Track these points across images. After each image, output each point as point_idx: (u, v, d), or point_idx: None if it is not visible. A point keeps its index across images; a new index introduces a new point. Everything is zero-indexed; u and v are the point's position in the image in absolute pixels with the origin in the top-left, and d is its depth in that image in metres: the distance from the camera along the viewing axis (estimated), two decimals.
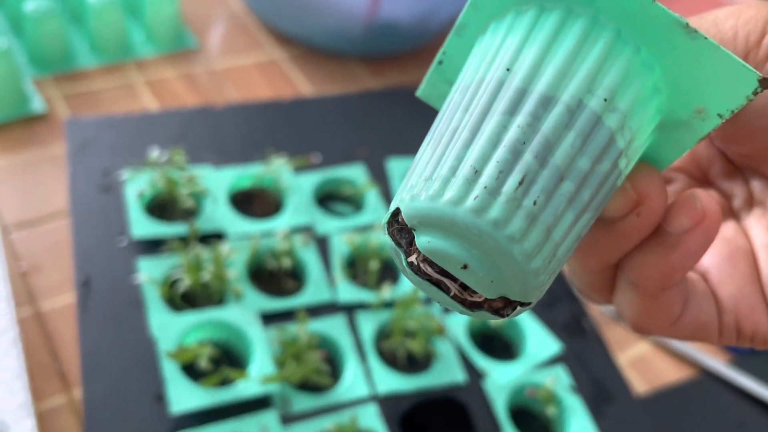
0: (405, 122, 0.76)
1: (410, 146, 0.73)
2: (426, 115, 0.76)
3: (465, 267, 0.17)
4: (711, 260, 0.22)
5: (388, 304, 0.58)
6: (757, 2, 0.20)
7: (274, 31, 0.95)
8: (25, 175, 0.69)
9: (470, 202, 0.17)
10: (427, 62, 0.98)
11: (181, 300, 0.55)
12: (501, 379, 0.56)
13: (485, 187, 0.17)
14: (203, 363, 0.49)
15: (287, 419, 0.50)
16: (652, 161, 0.20)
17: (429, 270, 0.18)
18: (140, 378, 0.50)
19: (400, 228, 0.18)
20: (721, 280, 0.22)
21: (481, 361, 0.57)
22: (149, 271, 0.55)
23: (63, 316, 0.60)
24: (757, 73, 0.17)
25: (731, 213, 0.23)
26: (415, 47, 0.96)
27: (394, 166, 0.70)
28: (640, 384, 0.67)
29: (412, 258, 0.18)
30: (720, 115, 0.18)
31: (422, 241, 0.18)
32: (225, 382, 0.51)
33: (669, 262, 0.19)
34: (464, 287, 0.18)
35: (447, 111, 0.19)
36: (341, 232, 0.62)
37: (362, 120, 0.75)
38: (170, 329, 0.51)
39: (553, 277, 0.18)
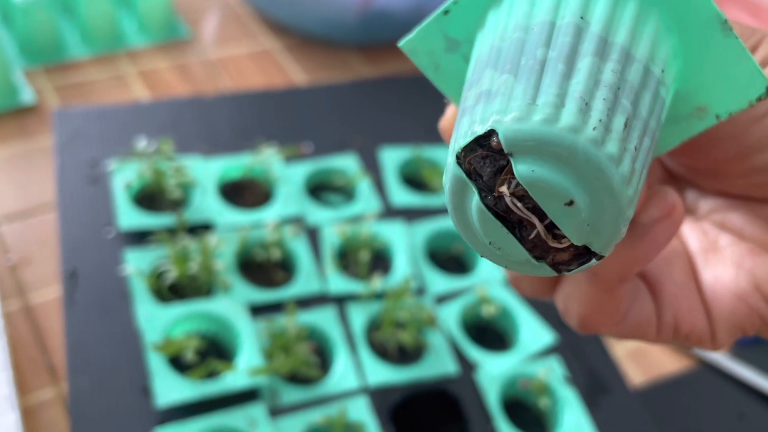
0: (397, 111, 0.75)
1: (403, 135, 0.72)
2: (418, 104, 0.76)
3: (569, 204, 0.16)
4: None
5: (378, 296, 0.57)
6: (739, 24, 0.21)
7: (267, 20, 0.94)
8: (14, 168, 0.68)
9: (589, 132, 0.16)
10: None
11: (169, 292, 0.54)
12: (493, 371, 0.55)
13: (600, 121, 0.16)
14: (189, 355, 0.49)
15: (276, 412, 0.50)
16: None
17: (517, 206, 0.16)
18: (127, 370, 0.50)
19: (485, 155, 0.16)
20: (661, 279, 0.22)
21: (474, 352, 0.56)
22: (136, 263, 0.54)
23: (52, 309, 0.60)
24: None
25: None
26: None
27: (387, 155, 0.69)
28: (636, 375, 0.66)
29: (503, 189, 0.16)
30: (717, 116, 0.19)
31: (524, 169, 0.16)
32: (212, 375, 0.50)
33: (635, 252, 0.20)
34: (549, 231, 0.17)
35: (510, 45, 0.18)
36: (332, 223, 0.61)
37: (354, 109, 0.74)
38: (157, 321, 0.51)
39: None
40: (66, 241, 0.56)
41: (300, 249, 0.59)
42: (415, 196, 0.66)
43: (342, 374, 0.53)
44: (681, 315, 0.22)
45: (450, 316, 0.58)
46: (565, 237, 0.17)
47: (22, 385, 0.56)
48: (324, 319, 0.55)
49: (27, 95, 0.73)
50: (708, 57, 0.18)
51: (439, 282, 0.60)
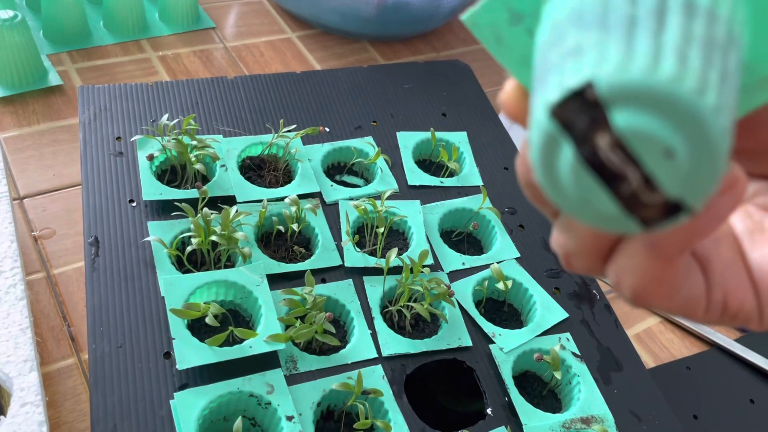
0: (414, 95, 0.76)
1: (419, 119, 0.73)
2: (433, 90, 0.77)
3: (667, 153, 0.16)
4: None
5: (394, 270, 0.58)
6: None
7: (288, 12, 0.96)
8: (41, 145, 0.70)
9: (690, 81, 0.15)
10: (437, 44, 0.98)
11: (190, 262, 0.55)
12: (508, 345, 0.56)
13: (698, 71, 0.16)
14: (209, 319, 0.50)
15: (293, 379, 0.51)
16: None
17: (614, 157, 0.16)
18: (148, 336, 0.51)
19: (581, 108, 0.16)
20: (710, 256, 0.22)
21: (489, 326, 0.57)
22: (159, 234, 0.55)
23: (75, 281, 0.61)
24: None
25: None
26: (425, 29, 0.97)
27: (404, 137, 0.70)
28: (647, 360, 0.66)
29: (600, 141, 0.16)
30: None
31: (624, 120, 0.16)
32: (232, 342, 0.51)
33: (698, 223, 0.19)
34: (645, 182, 0.17)
35: (591, 4, 0.18)
36: (349, 200, 0.62)
37: (371, 92, 0.75)
38: (178, 288, 0.52)
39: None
40: (90, 213, 0.57)
41: (318, 224, 0.60)
42: (431, 177, 0.67)
43: (358, 345, 0.54)
44: (730, 293, 0.22)
45: (464, 291, 0.59)
46: (658, 191, 0.17)
47: (45, 353, 0.57)
48: (341, 291, 0.56)
49: (53, 77, 0.74)
50: None
51: (453, 259, 0.61)
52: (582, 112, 0.16)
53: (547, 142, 0.17)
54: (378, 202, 0.60)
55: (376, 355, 0.53)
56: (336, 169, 0.68)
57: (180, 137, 0.59)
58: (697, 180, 0.17)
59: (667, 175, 0.17)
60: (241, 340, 0.51)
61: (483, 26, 0.21)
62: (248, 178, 0.62)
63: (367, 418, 0.49)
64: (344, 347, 0.54)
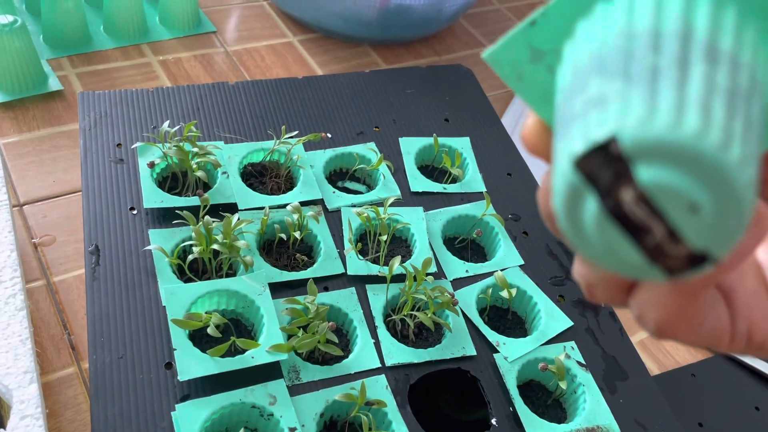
0: (416, 100, 0.76)
1: (422, 124, 0.73)
2: (436, 95, 0.76)
3: (692, 208, 0.16)
4: None
5: (397, 278, 0.58)
6: None
7: (289, 16, 0.95)
8: (41, 151, 0.69)
9: (714, 136, 0.15)
10: (438, 48, 0.98)
11: (191, 271, 0.55)
12: (513, 354, 0.55)
13: (721, 125, 0.16)
14: (211, 330, 0.49)
15: (296, 389, 0.50)
16: None
17: (638, 211, 0.17)
18: (149, 346, 0.51)
19: (604, 161, 0.16)
20: (735, 288, 0.22)
21: (493, 335, 0.56)
22: (160, 242, 0.55)
23: (75, 289, 0.60)
24: None
25: None
26: (426, 33, 0.96)
27: (406, 143, 0.69)
28: (652, 367, 0.66)
29: (625, 195, 0.16)
30: None
31: (648, 175, 0.16)
32: (234, 352, 0.50)
33: None
34: (669, 235, 0.17)
35: (614, 52, 0.18)
36: (352, 207, 0.62)
37: (374, 97, 0.74)
38: (179, 298, 0.52)
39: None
40: (90, 221, 0.57)
41: (320, 232, 0.59)
42: (434, 183, 0.67)
43: (361, 354, 0.53)
44: (755, 324, 0.22)
45: (468, 299, 0.58)
46: (683, 243, 0.17)
47: (45, 362, 0.56)
48: (344, 300, 0.56)
49: (53, 82, 0.74)
50: None
51: (456, 267, 0.60)
52: (606, 166, 0.16)
53: (571, 193, 0.17)
54: (381, 210, 0.59)
55: (380, 365, 0.53)
56: (338, 176, 0.67)
57: (181, 144, 0.58)
58: (722, 232, 0.17)
59: (692, 228, 0.17)
60: (243, 351, 0.50)
61: (504, 63, 0.22)
62: (250, 185, 0.62)
63: (370, 430, 0.48)
64: (347, 357, 0.53)
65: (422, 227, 0.62)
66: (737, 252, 0.19)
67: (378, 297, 0.56)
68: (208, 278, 0.54)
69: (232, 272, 0.56)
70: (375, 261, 0.59)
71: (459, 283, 0.59)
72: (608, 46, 0.18)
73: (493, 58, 0.22)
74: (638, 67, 0.17)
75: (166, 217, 0.57)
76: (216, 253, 0.54)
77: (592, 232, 0.18)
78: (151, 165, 0.58)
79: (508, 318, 0.60)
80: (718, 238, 0.17)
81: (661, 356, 0.67)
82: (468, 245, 0.64)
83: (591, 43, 0.19)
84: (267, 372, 0.50)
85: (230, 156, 0.62)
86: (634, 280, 0.21)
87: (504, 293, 0.58)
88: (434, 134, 0.70)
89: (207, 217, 0.54)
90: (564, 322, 0.58)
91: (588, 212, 0.17)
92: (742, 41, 0.18)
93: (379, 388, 0.51)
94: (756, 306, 0.22)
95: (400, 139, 0.70)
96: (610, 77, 0.17)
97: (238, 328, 0.53)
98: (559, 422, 0.53)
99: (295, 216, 0.58)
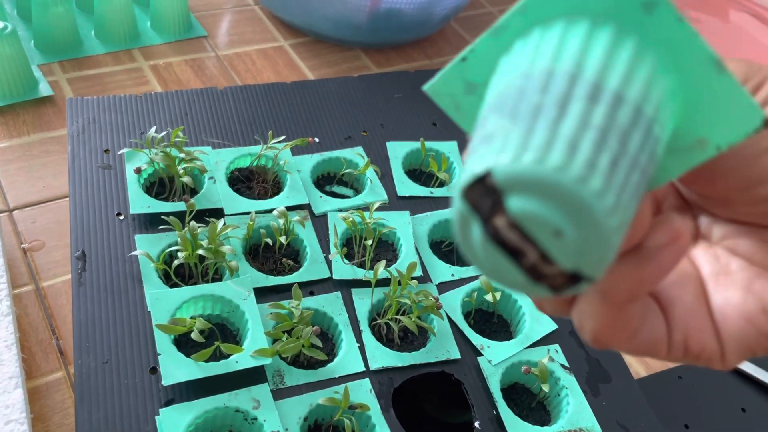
0: (404, 104, 0.76)
1: (409, 128, 0.73)
2: (424, 99, 0.76)
3: (557, 234, 0.18)
4: (663, 283, 0.24)
5: (382, 282, 0.58)
6: (738, 59, 0.23)
7: (280, 20, 0.95)
8: (31, 156, 0.70)
9: (575, 170, 0.17)
10: (430, 51, 0.98)
11: (177, 276, 0.55)
12: (496, 357, 0.55)
13: (585, 160, 0.17)
14: (195, 335, 0.50)
15: (280, 393, 0.51)
16: None
17: (511, 236, 0.18)
18: (134, 351, 0.51)
19: (484, 192, 0.18)
20: (673, 300, 0.24)
21: (477, 338, 0.57)
22: (146, 248, 0.55)
23: (63, 294, 0.61)
24: (764, 113, 0.19)
25: None
26: (418, 37, 0.97)
27: (394, 147, 0.70)
28: (639, 369, 0.66)
29: (498, 222, 0.18)
30: (718, 148, 0.20)
31: (516, 204, 0.18)
32: (218, 356, 0.51)
33: (642, 274, 0.21)
34: (542, 257, 0.19)
35: (512, 92, 0.19)
36: (338, 212, 0.62)
37: (362, 102, 0.75)
38: (165, 303, 0.52)
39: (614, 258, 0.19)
40: (77, 227, 0.57)
41: (306, 236, 0.60)
42: (420, 187, 0.67)
43: (346, 358, 0.53)
44: (691, 335, 0.23)
45: (453, 303, 0.58)
46: (554, 263, 0.19)
47: (33, 367, 0.57)
48: (329, 304, 0.56)
49: (44, 87, 0.74)
50: (705, 93, 0.20)
51: (442, 270, 0.61)
52: (485, 196, 0.18)
53: (461, 220, 0.19)
54: (366, 214, 0.60)
55: (364, 369, 0.53)
56: (326, 180, 0.67)
57: (168, 150, 0.58)
58: (588, 255, 0.18)
59: (560, 252, 0.18)
60: (228, 355, 0.51)
61: (443, 95, 0.24)
62: (237, 190, 0.62)
63: None
64: (332, 360, 0.54)
65: (408, 231, 0.62)
66: (656, 267, 0.21)
67: (363, 301, 0.57)
68: (195, 283, 0.55)
69: (218, 277, 0.56)
70: (361, 265, 0.59)
71: (444, 286, 0.60)
72: (510, 85, 0.20)
73: (433, 90, 0.24)
74: (525, 106, 0.19)
75: (152, 223, 0.58)
76: (202, 258, 0.55)
77: (480, 254, 0.19)
78: (138, 171, 0.59)
79: (493, 321, 0.60)
80: (586, 260, 0.18)
81: (649, 358, 0.67)
82: (454, 249, 0.65)
83: (501, 80, 0.21)
84: (252, 376, 0.51)
85: (217, 161, 0.63)
86: (575, 294, 0.23)
87: (489, 297, 0.58)
88: (422, 138, 0.70)
89: (192, 223, 0.54)
90: (548, 326, 0.58)
91: (475, 237, 0.19)
92: (631, 78, 0.19)
93: (363, 392, 0.52)
94: (692, 318, 0.23)
95: (387, 143, 0.70)
96: (501, 115, 0.19)
97: (223, 333, 0.54)
98: (543, 425, 0.53)
99: (281, 221, 0.58)
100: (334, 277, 0.58)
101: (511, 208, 0.18)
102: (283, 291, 0.56)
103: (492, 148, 0.18)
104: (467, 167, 0.19)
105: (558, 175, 0.17)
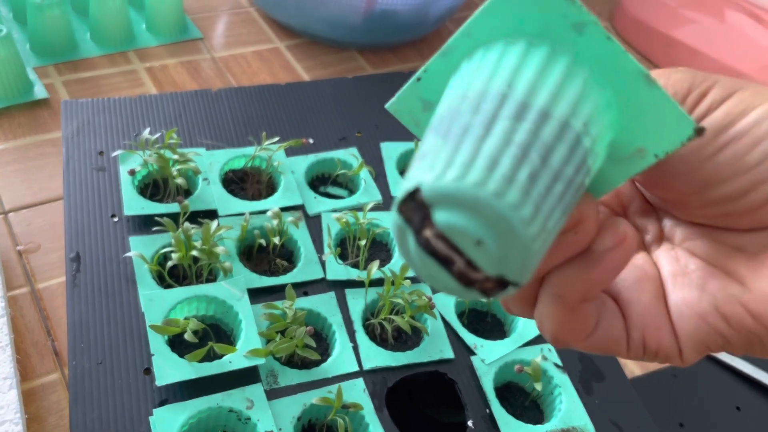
0: None
1: (404, 129, 0.73)
2: None
3: (478, 243, 0.19)
4: (623, 284, 0.25)
5: (377, 282, 0.58)
6: (684, 68, 0.24)
7: (275, 21, 0.96)
8: (26, 159, 0.70)
9: (492, 185, 0.19)
10: (425, 52, 0.99)
11: (172, 277, 0.55)
12: (490, 356, 0.56)
13: (503, 175, 0.19)
14: (188, 336, 0.50)
15: (273, 393, 0.51)
16: (590, 190, 0.24)
17: (439, 245, 0.20)
18: (128, 352, 0.51)
19: (415, 206, 0.20)
20: (631, 301, 0.25)
21: (471, 337, 0.57)
22: (140, 249, 0.56)
23: (58, 295, 0.61)
24: (695, 122, 0.21)
25: (643, 245, 0.27)
26: (413, 37, 0.97)
27: (387, 148, 0.70)
28: (633, 368, 0.66)
29: (427, 233, 0.20)
30: (656, 156, 0.22)
31: (441, 217, 0.19)
32: (212, 357, 0.51)
33: (591, 276, 0.22)
34: (468, 264, 0.20)
35: (449, 112, 0.21)
36: (332, 212, 0.62)
37: (356, 103, 0.75)
38: (159, 304, 0.52)
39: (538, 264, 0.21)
40: (71, 229, 0.57)
41: (300, 237, 0.60)
42: None
43: (340, 358, 0.54)
44: (648, 333, 0.24)
45: (448, 302, 0.59)
46: (480, 270, 0.20)
47: (28, 368, 0.57)
48: (323, 304, 0.56)
49: (39, 90, 0.75)
50: (639, 106, 0.21)
51: None
52: (416, 210, 0.20)
53: (397, 231, 0.21)
54: (360, 214, 0.60)
55: (358, 369, 0.53)
56: (320, 181, 0.68)
57: (161, 151, 0.59)
58: (510, 262, 0.20)
59: (483, 260, 0.20)
60: (222, 356, 0.51)
61: (403, 113, 0.25)
62: (231, 191, 0.62)
63: None
64: (326, 360, 0.54)
65: None
66: (604, 269, 0.22)
67: (357, 301, 0.57)
68: (189, 284, 0.55)
69: (212, 278, 0.56)
70: (355, 265, 0.59)
71: None
72: (449, 107, 0.21)
73: (394, 108, 0.25)
74: (456, 127, 0.20)
75: (147, 224, 0.58)
76: (196, 259, 0.55)
77: (417, 262, 0.21)
78: (132, 172, 0.59)
79: (487, 321, 0.60)
80: (510, 267, 0.20)
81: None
82: None
83: (445, 100, 0.22)
84: (246, 376, 0.51)
85: (211, 162, 0.63)
86: (537, 296, 0.24)
87: None
88: (415, 140, 0.70)
89: (186, 224, 0.54)
90: None
91: (411, 246, 0.21)
92: (560, 95, 0.20)
93: (356, 392, 0.52)
94: (649, 317, 0.24)
95: (381, 144, 0.71)
96: (437, 134, 0.21)
97: (217, 334, 0.54)
98: (536, 423, 0.53)
99: (275, 222, 0.58)
100: (328, 277, 0.58)
101: (437, 220, 0.19)
102: (277, 291, 0.56)
103: (423, 166, 0.20)
104: (403, 183, 0.20)
105: (476, 191, 0.19)
